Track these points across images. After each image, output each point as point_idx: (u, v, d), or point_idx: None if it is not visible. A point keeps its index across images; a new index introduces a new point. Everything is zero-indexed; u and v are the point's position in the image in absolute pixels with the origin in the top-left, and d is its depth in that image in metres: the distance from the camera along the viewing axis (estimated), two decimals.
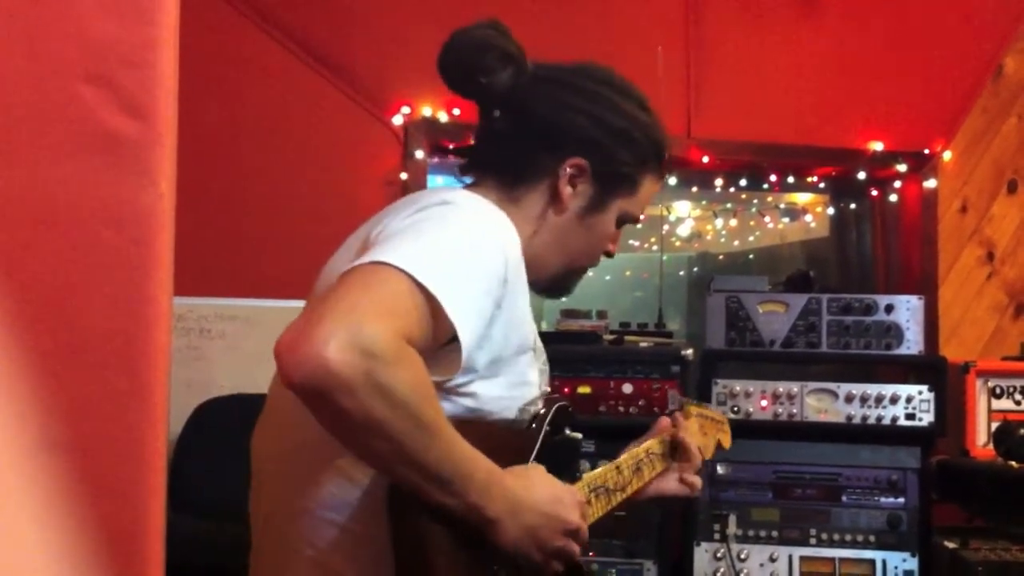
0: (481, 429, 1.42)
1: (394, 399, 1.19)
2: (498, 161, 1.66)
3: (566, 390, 3.06)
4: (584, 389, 3.06)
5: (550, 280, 1.75)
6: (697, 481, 1.92)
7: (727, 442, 2.21)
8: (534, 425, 1.59)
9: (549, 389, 1.69)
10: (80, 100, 0.85)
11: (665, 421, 1.95)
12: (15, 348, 0.84)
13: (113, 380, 0.88)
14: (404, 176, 3.58)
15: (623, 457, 1.81)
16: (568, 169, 1.63)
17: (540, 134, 1.63)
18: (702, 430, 2.07)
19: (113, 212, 0.87)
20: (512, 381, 1.52)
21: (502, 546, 1.37)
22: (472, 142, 1.72)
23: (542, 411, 1.62)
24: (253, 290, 3.30)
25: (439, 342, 1.34)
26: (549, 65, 1.68)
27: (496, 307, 1.42)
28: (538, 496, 1.42)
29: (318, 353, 1.15)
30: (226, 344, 3.37)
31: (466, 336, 1.33)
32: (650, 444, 1.87)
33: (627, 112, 1.67)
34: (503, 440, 1.51)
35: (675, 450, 1.91)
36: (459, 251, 1.38)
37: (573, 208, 1.65)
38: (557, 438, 1.63)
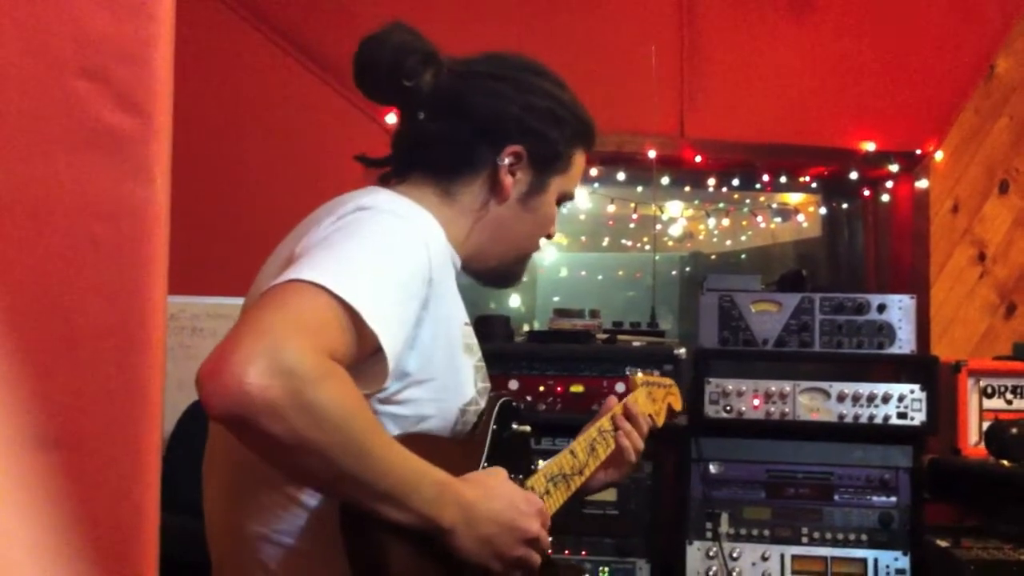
0: (427, 442, 1.41)
1: (322, 416, 1.17)
2: (431, 160, 1.65)
3: (559, 389, 3.06)
4: (577, 388, 3.06)
5: (497, 270, 1.75)
6: (629, 454, 1.91)
7: (678, 404, 2.23)
8: (480, 426, 1.59)
9: (489, 385, 1.67)
10: (76, 95, 0.85)
11: (612, 399, 1.96)
12: (9, 343, 0.83)
13: (108, 376, 0.88)
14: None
15: (577, 440, 1.82)
16: (506, 158, 1.64)
17: (475, 128, 1.63)
18: (651, 397, 2.07)
19: (108, 207, 0.87)
20: (447, 382, 1.51)
21: (460, 556, 1.36)
22: (395, 147, 1.71)
23: (485, 409, 1.61)
24: (245, 289, 3.28)
25: (365, 352, 1.31)
26: (463, 59, 1.68)
27: (422, 308, 1.41)
28: (495, 504, 1.41)
29: (237, 381, 1.12)
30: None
31: (389, 343, 1.30)
32: (601, 422, 1.89)
33: (550, 92, 1.68)
34: (451, 448, 1.50)
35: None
36: (377, 257, 1.36)
37: (515, 195, 1.67)
38: (505, 434, 1.62)
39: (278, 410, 1.13)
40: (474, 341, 1.64)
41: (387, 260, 1.37)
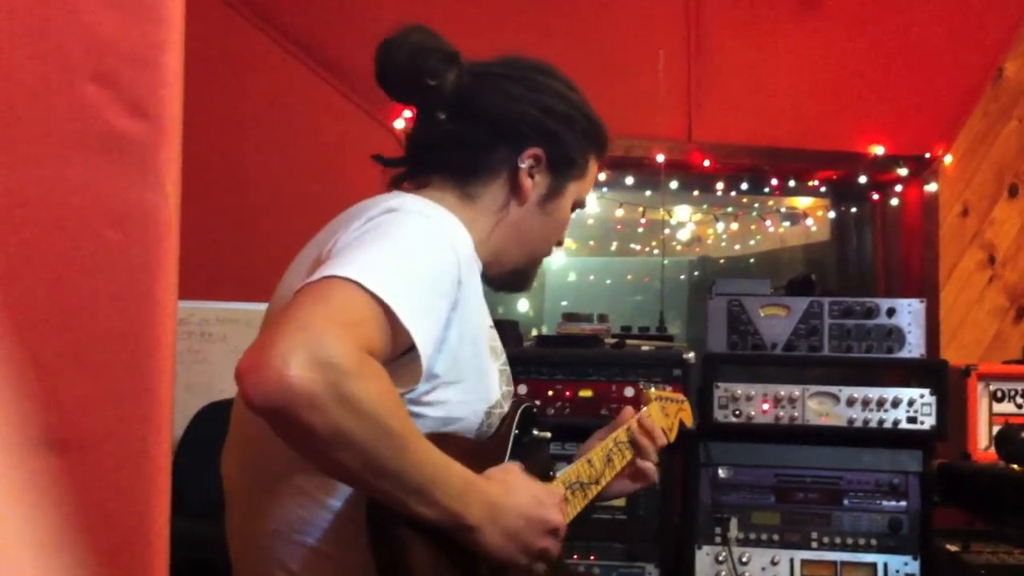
0: (451, 441, 1.41)
1: (361, 410, 1.18)
2: (450, 162, 1.66)
3: (568, 393, 3.06)
4: (586, 392, 3.06)
5: (513, 273, 1.76)
6: (650, 469, 1.93)
7: (689, 420, 2.25)
8: (502, 430, 1.59)
9: (512, 388, 1.68)
10: (86, 99, 0.85)
11: (628, 411, 1.97)
12: (19, 347, 0.83)
13: (117, 380, 0.88)
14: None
15: (593, 450, 1.82)
16: (526, 160, 1.65)
17: (495, 129, 1.64)
18: (663, 412, 2.09)
19: (118, 212, 0.87)
20: (474, 384, 1.51)
21: (486, 552, 1.36)
22: (412, 148, 1.72)
23: (508, 414, 1.62)
24: (254, 293, 3.28)
25: (397, 351, 1.32)
26: (480, 62, 1.69)
27: (451, 309, 1.42)
28: (518, 499, 1.42)
29: (279, 372, 1.13)
30: (227, 347, 3.37)
31: (423, 342, 1.31)
32: (617, 433, 1.90)
33: (565, 96, 1.70)
34: (474, 449, 1.51)
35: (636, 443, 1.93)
36: (409, 258, 1.37)
37: (534, 198, 1.68)
38: (526, 440, 1.63)
39: (318, 402, 1.14)
40: (498, 344, 1.65)
41: (419, 260, 1.38)
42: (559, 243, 1.80)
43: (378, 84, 1.61)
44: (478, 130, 1.64)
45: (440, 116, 1.64)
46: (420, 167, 1.70)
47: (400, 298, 1.28)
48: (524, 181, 1.65)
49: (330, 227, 1.54)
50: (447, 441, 1.39)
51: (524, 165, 1.65)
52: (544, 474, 1.65)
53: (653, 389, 2.11)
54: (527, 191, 1.66)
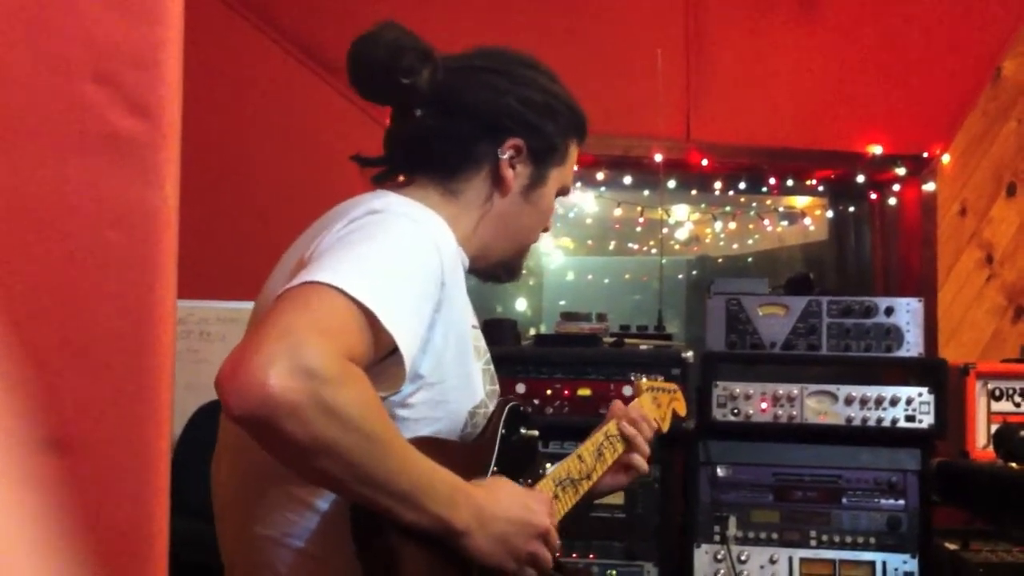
0: (437, 445, 1.41)
1: (343, 418, 1.17)
2: (430, 158, 1.65)
3: (566, 392, 3.06)
4: (584, 391, 3.06)
5: (501, 265, 1.76)
6: (640, 463, 1.92)
7: (682, 410, 2.24)
8: (488, 430, 1.59)
9: (497, 388, 1.68)
10: (86, 100, 0.85)
11: (618, 404, 1.96)
12: (19, 347, 0.84)
13: (117, 380, 0.88)
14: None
15: (583, 445, 1.82)
16: (507, 152, 1.64)
17: (474, 123, 1.63)
18: (655, 402, 2.08)
19: (118, 212, 0.87)
20: (457, 384, 1.51)
21: (475, 557, 1.36)
22: (391, 146, 1.71)
23: (494, 414, 1.61)
24: (254, 293, 3.28)
25: (381, 354, 1.31)
26: (457, 55, 1.67)
27: (435, 310, 1.41)
28: (506, 503, 1.42)
29: (259, 382, 1.12)
30: (227, 347, 3.35)
31: (406, 344, 1.30)
32: (608, 427, 1.89)
33: (545, 86, 1.69)
34: (461, 452, 1.50)
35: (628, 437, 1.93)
36: (391, 260, 1.36)
37: (516, 188, 1.67)
38: (514, 439, 1.62)
39: (299, 411, 1.13)
40: (482, 344, 1.64)
41: (402, 262, 1.38)
42: (546, 229, 1.80)
43: (351, 84, 1.59)
44: (458, 125, 1.63)
45: (417, 113, 1.63)
46: (400, 166, 1.70)
47: (382, 302, 1.26)
48: (506, 172, 1.64)
49: (313, 228, 1.53)
50: (433, 445, 1.38)
51: (505, 156, 1.64)
52: (533, 473, 1.65)
53: (644, 380, 2.11)
54: (509, 182, 1.65)
